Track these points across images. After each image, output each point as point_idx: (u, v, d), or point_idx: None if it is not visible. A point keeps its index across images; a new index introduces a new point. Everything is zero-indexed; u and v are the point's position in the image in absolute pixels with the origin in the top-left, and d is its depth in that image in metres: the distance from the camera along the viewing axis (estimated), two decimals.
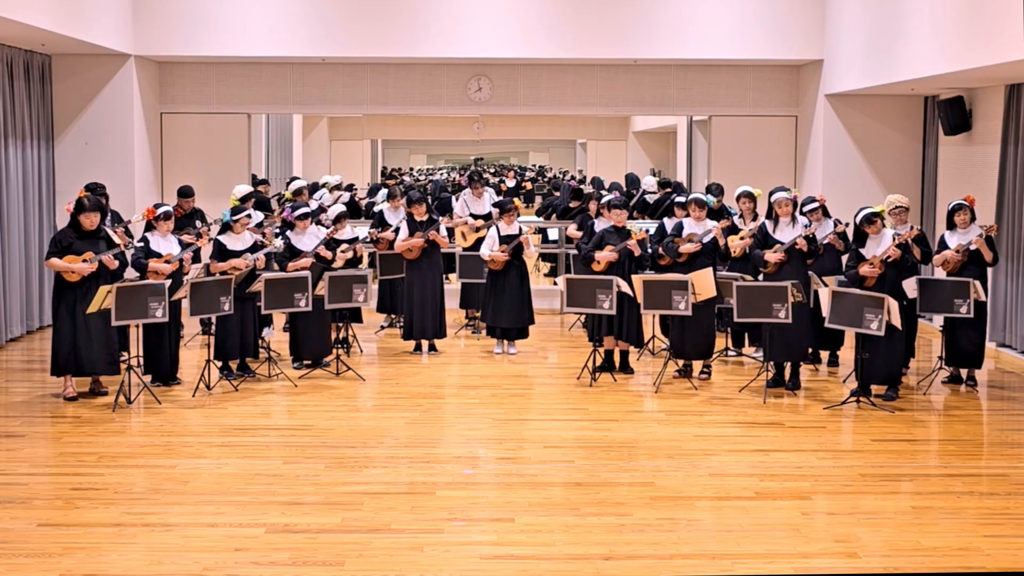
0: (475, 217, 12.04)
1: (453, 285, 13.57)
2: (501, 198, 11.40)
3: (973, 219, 9.23)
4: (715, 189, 11.16)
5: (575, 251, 11.00)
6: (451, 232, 11.90)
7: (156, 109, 13.52)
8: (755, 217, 10.17)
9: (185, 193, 11.07)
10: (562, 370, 9.97)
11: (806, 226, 9.03)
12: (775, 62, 13.54)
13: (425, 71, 13.84)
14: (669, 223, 9.79)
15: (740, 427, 7.97)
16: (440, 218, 10.95)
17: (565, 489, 6.52)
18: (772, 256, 8.99)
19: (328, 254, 9.93)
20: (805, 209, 9.67)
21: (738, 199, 10.32)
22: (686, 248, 9.39)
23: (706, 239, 9.40)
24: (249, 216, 9.54)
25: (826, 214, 9.80)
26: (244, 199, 10.70)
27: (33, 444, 7.45)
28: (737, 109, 13.93)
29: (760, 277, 9.19)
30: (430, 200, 11.60)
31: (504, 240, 10.42)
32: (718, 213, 10.71)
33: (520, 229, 10.50)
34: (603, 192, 12.71)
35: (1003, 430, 8.08)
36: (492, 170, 27.80)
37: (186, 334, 10.82)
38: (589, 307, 9.24)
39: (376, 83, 13.85)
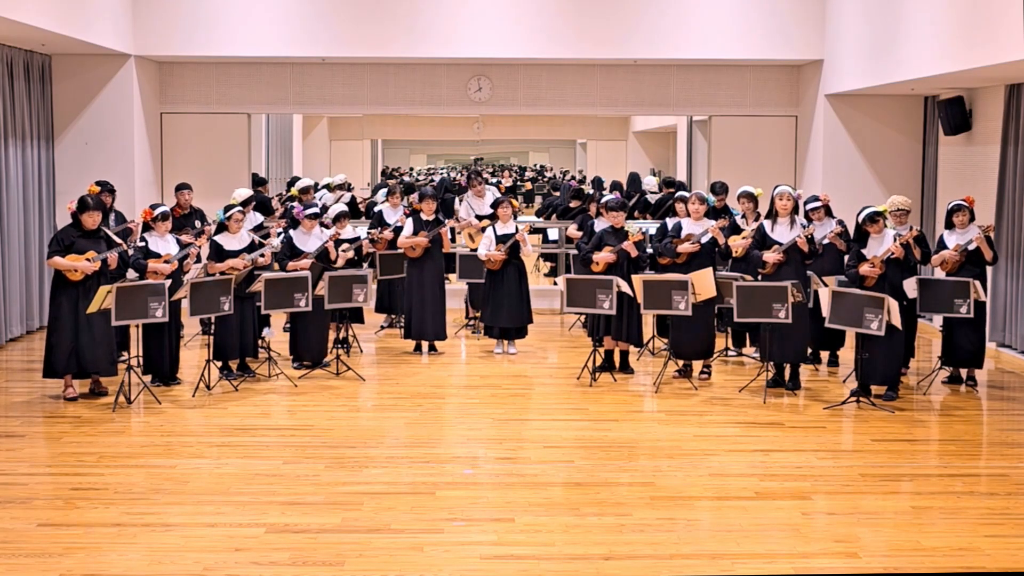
0: (479, 218, 12.01)
1: (454, 285, 13.57)
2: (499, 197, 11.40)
3: (972, 220, 9.23)
4: (719, 187, 11.16)
5: (575, 251, 11.01)
6: (453, 233, 11.89)
7: (156, 109, 13.52)
8: (757, 217, 10.17)
9: (181, 186, 11.08)
10: (562, 370, 9.97)
11: (804, 227, 9.02)
12: (775, 62, 13.54)
13: (425, 71, 13.84)
14: (670, 223, 9.79)
15: (740, 427, 7.97)
16: (446, 220, 10.89)
17: (565, 489, 6.52)
18: (770, 256, 8.99)
19: (335, 252, 9.95)
20: (808, 208, 9.66)
21: (739, 199, 10.33)
22: (684, 248, 9.39)
23: (704, 239, 9.39)
24: (242, 213, 9.49)
25: (829, 214, 9.80)
26: (245, 203, 10.68)
27: (33, 444, 7.45)
28: (737, 109, 13.93)
29: (758, 277, 9.19)
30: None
31: (501, 239, 10.42)
32: (719, 213, 10.72)
33: (516, 228, 10.50)
34: (604, 192, 12.71)
35: (1003, 430, 8.08)
36: (491, 170, 27.81)
37: (186, 334, 10.82)
38: (589, 307, 9.24)
39: (376, 83, 13.85)
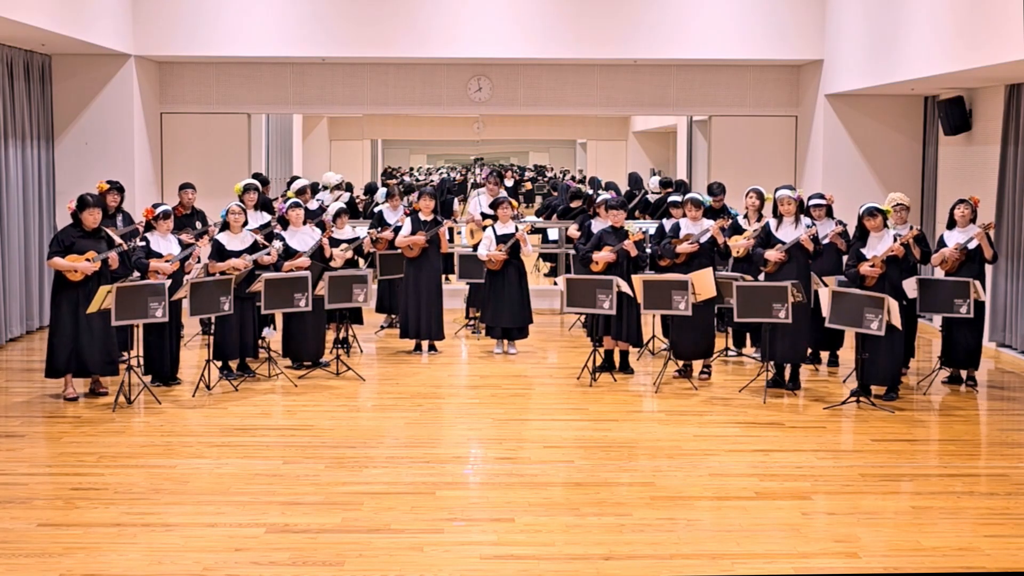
0: (484, 216, 11.98)
1: (454, 285, 13.57)
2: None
3: (974, 219, 9.23)
4: (716, 188, 11.15)
5: (575, 251, 11.00)
6: (452, 233, 11.87)
7: (156, 109, 13.53)
8: (760, 217, 10.16)
9: (185, 185, 11.08)
10: (562, 370, 9.97)
11: (808, 227, 9.01)
12: (775, 62, 13.54)
13: (425, 71, 13.84)
14: (668, 223, 9.80)
15: (740, 427, 7.97)
16: (444, 220, 10.89)
17: (565, 489, 6.52)
18: (772, 255, 8.99)
19: (330, 251, 9.95)
20: (811, 203, 9.67)
21: (747, 195, 10.31)
22: (683, 248, 9.40)
23: (703, 239, 9.40)
24: (241, 207, 9.47)
25: (829, 214, 9.80)
26: (246, 189, 10.75)
27: (33, 444, 7.45)
28: (737, 109, 13.93)
29: (761, 276, 9.19)
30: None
31: (501, 239, 10.41)
32: (719, 212, 10.71)
33: (516, 228, 10.50)
34: (600, 192, 12.70)
35: (1003, 430, 8.08)
36: (492, 170, 27.84)
37: (186, 334, 10.82)
38: (589, 307, 9.24)
39: (376, 83, 13.85)
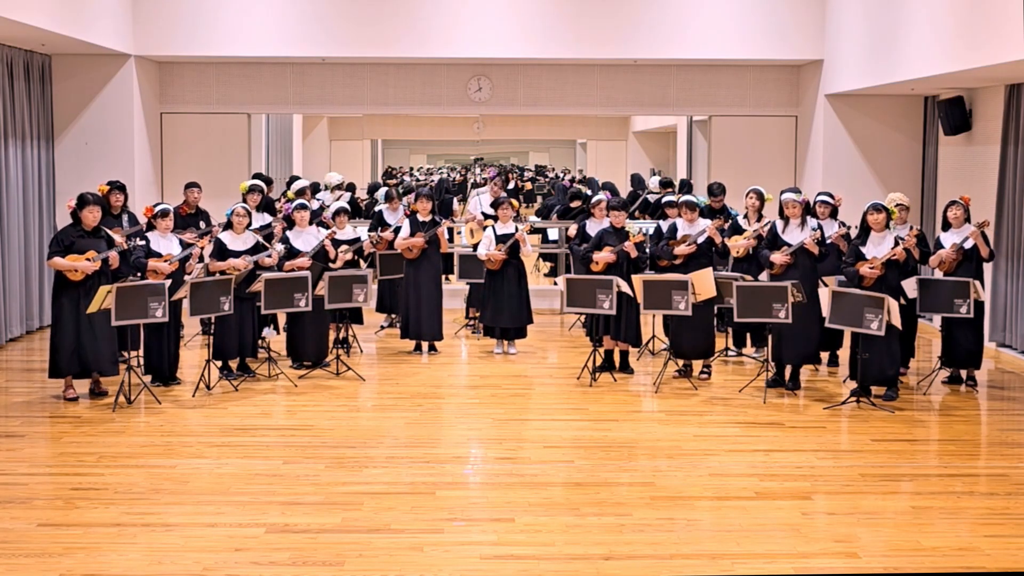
0: (485, 216, 11.97)
1: (454, 285, 13.57)
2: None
3: (968, 219, 9.23)
4: (716, 188, 11.15)
5: (570, 251, 10.98)
6: (451, 233, 11.86)
7: (156, 109, 13.53)
8: (759, 218, 10.16)
9: (191, 184, 11.06)
10: (562, 370, 9.97)
11: (814, 229, 9.01)
12: (775, 62, 13.55)
13: (425, 71, 13.84)
14: (665, 225, 9.81)
15: (740, 427, 7.97)
16: (443, 220, 10.90)
17: (565, 489, 6.52)
18: (778, 257, 8.99)
19: (334, 251, 9.96)
20: (817, 199, 9.67)
21: (747, 195, 10.31)
22: (680, 250, 9.41)
23: (700, 239, 9.39)
24: (246, 209, 9.45)
25: (833, 215, 9.80)
26: (251, 189, 10.75)
27: (33, 444, 7.45)
28: (737, 109, 13.93)
29: (764, 276, 9.19)
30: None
31: (500, 239, 10.41)
32: (716, 213, 10.70)
33: (516, 228, 10.50)
34: (595, 192, 12.70)
35: (1003, 430, 8.08)
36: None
37: (186, 334, 10.82)
38: (589, 307, 9.24)
39: (376, 83, 13.86)
